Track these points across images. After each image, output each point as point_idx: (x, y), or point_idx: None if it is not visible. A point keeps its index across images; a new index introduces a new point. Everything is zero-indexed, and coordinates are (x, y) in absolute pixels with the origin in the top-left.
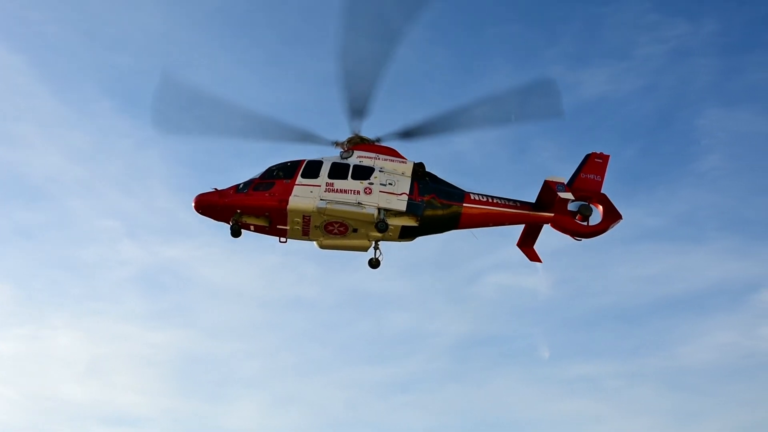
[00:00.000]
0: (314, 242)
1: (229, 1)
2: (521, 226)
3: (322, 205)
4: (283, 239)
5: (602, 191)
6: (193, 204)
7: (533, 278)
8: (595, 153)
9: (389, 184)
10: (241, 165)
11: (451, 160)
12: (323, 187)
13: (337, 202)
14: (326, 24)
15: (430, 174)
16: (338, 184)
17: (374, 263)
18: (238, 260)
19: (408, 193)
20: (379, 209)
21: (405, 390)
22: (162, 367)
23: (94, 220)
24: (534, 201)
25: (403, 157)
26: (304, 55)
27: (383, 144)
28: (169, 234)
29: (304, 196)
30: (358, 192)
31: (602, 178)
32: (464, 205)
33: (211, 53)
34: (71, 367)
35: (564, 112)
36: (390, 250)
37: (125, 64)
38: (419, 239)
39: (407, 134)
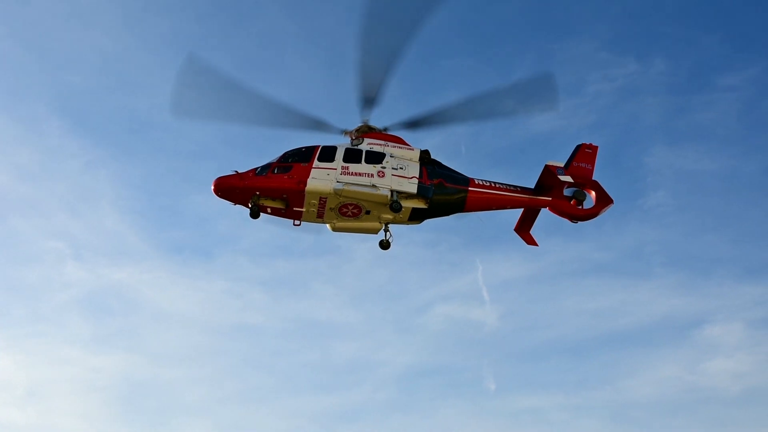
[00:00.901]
0: (327, 225)
1: (185, 26)
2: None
3: (339, 186)
4: (297, 222)
5: (593, 178)
6: (212, 187)
7: (481, 310)
8: (585, 144)
9: (400, 168)
10: (190, 188)
11: None
12: (339, 170)
13: (353, 184)
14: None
15: (435, 161)
16: (353, 167)
17: (385, 245)
18: (185, 285)
19: (418, 177)
20: (392, 191)
21: (351, 420)
22: (104, 393)
23: (39, 241)
24: (533, 187)
25: (410, 145)
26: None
27: (390, 133)
28: (116, 257)
29: (321, 178)
30: (372, 175)
31: (593, 167)
32: (469, 189)
33: (165, 76)
34: (11, 390)
35: (559, 107)
36: (344, 277)
37: (77, 83)
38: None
39: (413, 124)
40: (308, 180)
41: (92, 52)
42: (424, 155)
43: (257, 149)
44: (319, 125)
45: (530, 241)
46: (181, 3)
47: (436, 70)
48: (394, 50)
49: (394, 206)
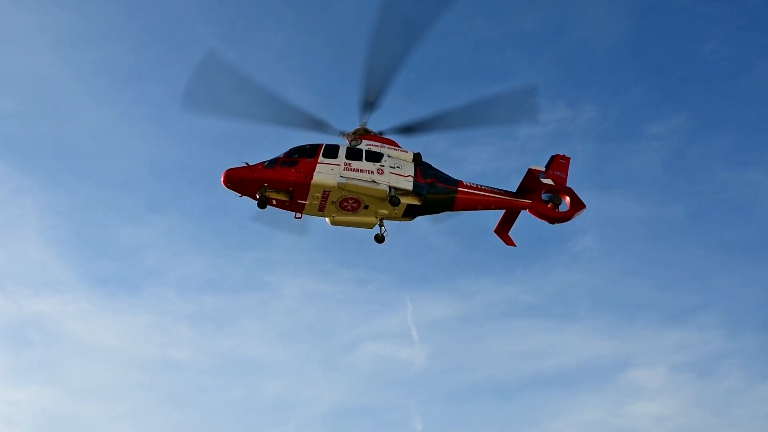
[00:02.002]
0: (326, 219)
1: (117, 55)
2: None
3: (343, 180)
4: (299, 215)
5: (567, 185)
6: (222, 178)
7: (410, 349)
8: (559, 155)
9: (397, 167)
10: (119, 219)
11: (334, 227)
12: (342, 166)
13: (355, 179)
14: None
15: (425, 163)
16: (355, 164)
17: (380, 238)
18: (109, 317)
19: (413, 176)
20: (390, 187)
21: None
22: (22, 427)
23: None
24: (515, 190)
25: (404, 148)
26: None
27: (385, 136)
28: (39, 287)
29: (326, 172)
30: (372, 172)
31: (566, 175)
32: (459, 189)
33: (96, 104)
34: None
35: (538, 120)
36: (272, 313)
37: (5, 108)
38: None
39: (406, 130)
40: (314, 173)
41: (22, 78)
42: (417, 157)
43: (188, 180)
44: (319, 125)
45: (509, 242)
46: (115, 32)
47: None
48: (398, 58)
49: (393, 200)
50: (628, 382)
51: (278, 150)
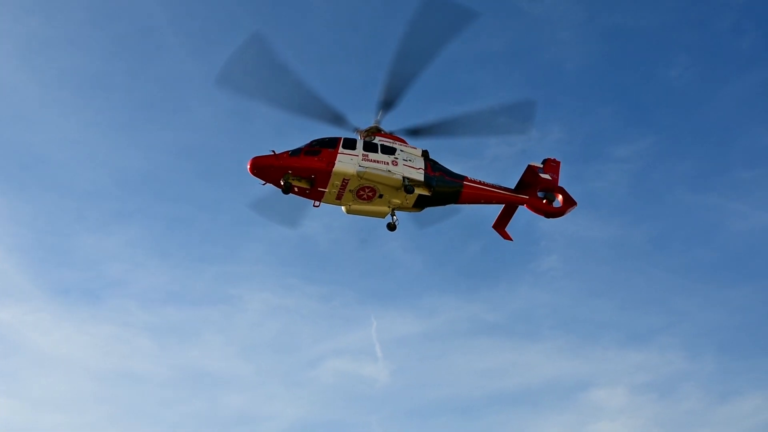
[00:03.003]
0: (342, 207)
1: (85, 63)
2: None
3: (362, 169)
4: (317, 203)
5: (559, 185)
6: (248, 165)
7: (373, 366)
8: (551, 158)
9: (409, 160)
10: (82, 228)
11: (300, 242)
12: (360, 156)
13: (373, 168)
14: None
15: (433, 159)
16: (372, 156)
17: (392, 227)
18: (70, 328)
19: (424, 168)
20: (404, 177)
21: None
22: None
23: None
24: (514, 187)
25: (413, 146)
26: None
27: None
28: None
29: (346, 162)
30: (387, 163)
31: (557, 176)
32: (464, 183)
33: (62, 112)
34: None
35: (530, 133)
36: (236, 327)
37: None
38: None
39: (413, 132)
40: (336, 162)
41: None
42: (425, 153)
43: (153, 191)
44: (337, 119)
45: (506, 237)
46: (83, 39)
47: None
48: (422, 63)
49: (408, 189)
50: (589, 401)
51: (238, 158)
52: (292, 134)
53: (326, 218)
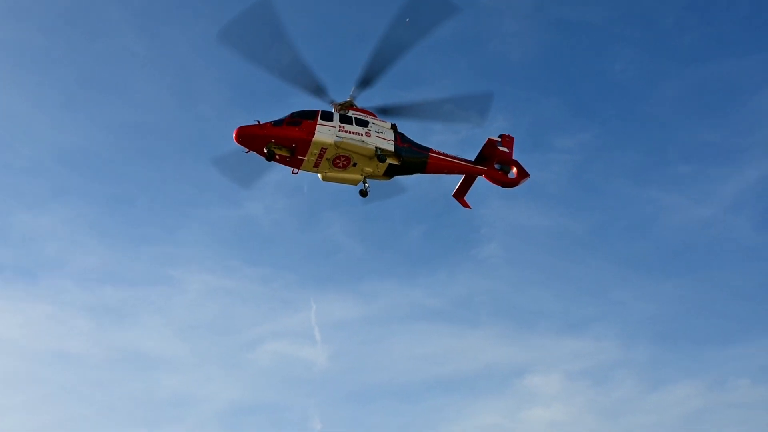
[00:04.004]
0: (319, 174)
1: (28, 34)
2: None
3: (339, 139)
4: (295, 170)
5: (514, 157)
6: (234, 134)
7: (312, 349)
8: (505, 135)
9: (380, 132)
10: (18, 206)
11: (241, 223)
12: (337, 128)
13: (349, 139)
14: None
15: (401, 133)
16: (347, 127)
17: (364, 193)
18: (4, 307)
19: (393, 140)
20: (376, 147)
21: None
22: None
23: None
24: (473, 159)
25: (383, 119)
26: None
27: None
28: None
29: (324, 132)
30: (362, 134)
31: (512, 150)
32: (430, 154)
33: (2, 86)
34: None
35: (484, 124)
36: (174, 308)
37: None
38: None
39: (382, 111)
40: (315, 132)
41: None
42: (394, 127)
43: (94, 168)
44: (318, 91)
45: (465, 205)
46: (26, 12)
47: None
48: (402, 49)
49: (381, 157)
50: (525, 387)
51: (180, 138)
52: (237, 115)
53: (267, 199)
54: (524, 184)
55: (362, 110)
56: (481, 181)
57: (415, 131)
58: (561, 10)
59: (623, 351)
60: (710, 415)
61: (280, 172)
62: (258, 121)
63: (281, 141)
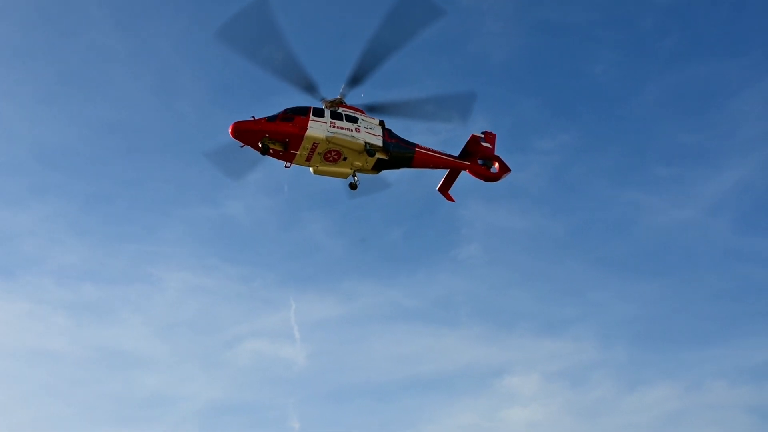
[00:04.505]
0: (311, 168)
1: (6, 30)
2: None
3: (330, 134)
4: (288, 164)
5: (496, 153)
6: (230, 129)
7: (291, 348)
8: (488, 131)
9: (369, 128)
10: None
11: (221, 222)
12: (328, 123)
13: (340, 134)
14: None
15: (388, 129)
16: (338, 123)
17: (353, 186)
18: None
19: (382, 136)
20: (365, 142)
21: None
22: None
23: None
24: (458, 154)
25: (371, 116)
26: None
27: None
28: None
29: (316, 128)
30: (352, 130)
31: (494, 146)
32: (416, 150)
33: None
34: None
35: (466, 122)
36: (154, 306)
37: None
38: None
39: (370, 108)
40: (308, 127)
41: None
42: (382, 123)
43: (73, 166)
44: (309, 88)
45: (449, 198)
46: (4, 8)
47: None
48: (390, 50)
49: (370, 152)
50: (503, 388)
51: (160, 136)
52: (217, 114)
53: (248, 199)
54: (505, 184)
55: (352, 107)
56: (462, 181)
57: (398, 130)
58: (542, 11)
59: (601, 352)
60: (687, 416)
61: (261, 170)
62: (253, 117)
63: (275, 136)
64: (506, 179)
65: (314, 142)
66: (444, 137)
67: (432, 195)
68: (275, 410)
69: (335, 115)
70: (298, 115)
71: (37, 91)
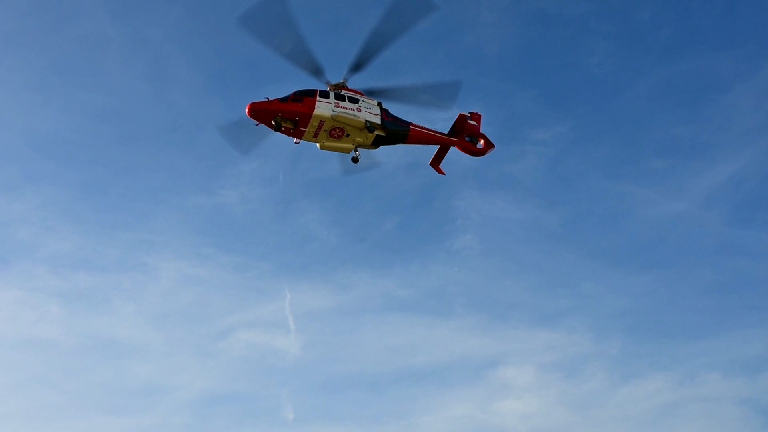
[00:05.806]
0: (317, 144)
1: None
2: None
3: (335, 113)
4: (297, 140)
5: (481, 131)
6: (246, 109)
7: (285, 338)
8: (474, 112)
9: (369, 108)
10: None
11: (216, 212)
12: (333, 104)
13: (343, 113)
14: None
15: (385, 109)
16: (342, 104)
17: (355, 160)
18: None
19: (380, 115)
20: (366, 120)
21: None
22: None
23: None
24: (447, 132)
25: (370, 98)
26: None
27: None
28: None
29: (323, 107)
30: (353, 109)
31: (479, 124)
32: (411, 127)
33: None
34: None
35: (452, 107)
36: (147, 295)
37: None
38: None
39: (368, 92)
40: (315, 107)
41: None
42: (380, 104)
43: (67, 153)
44: (316, 72)
45: (440, 172)
46: None
47: None
48: (391, 39)
49: (370, 128)
50: (497, 379)
51: (153, 125)
52: (211, 103)
53: (243, 188)
54: (499, 174)
55: (353, 90)
56: (458, 171)
57: (394, 112)
58: (538, 3)
59: (595, 344)
60: (681, 409)
61: (254, 160)
62: (267, 98)
63: (287, 114)
64: (503, 172)
65: (321, 120)
66: (433, 117)
67: (426, 186)
68: (269, 400)
69: (339, 97)
70: (306, 97)
71: (30, 80)
